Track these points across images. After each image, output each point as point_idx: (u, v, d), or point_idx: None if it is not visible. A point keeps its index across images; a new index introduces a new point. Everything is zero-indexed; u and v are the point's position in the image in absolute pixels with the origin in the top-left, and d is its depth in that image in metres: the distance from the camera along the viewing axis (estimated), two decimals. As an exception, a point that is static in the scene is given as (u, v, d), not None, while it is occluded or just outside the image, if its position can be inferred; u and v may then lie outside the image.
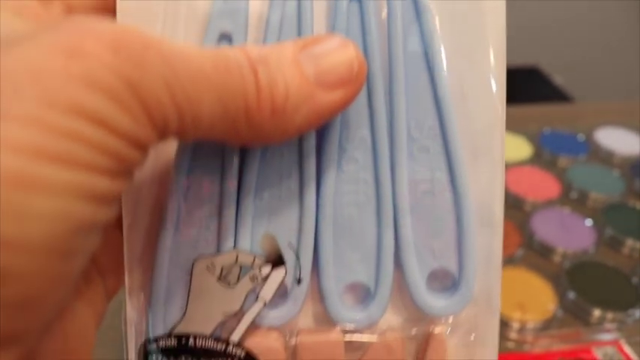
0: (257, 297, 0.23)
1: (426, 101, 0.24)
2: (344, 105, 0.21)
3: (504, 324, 0.46)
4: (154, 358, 0.23)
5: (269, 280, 0.23)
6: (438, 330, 0.24)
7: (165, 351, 0.23)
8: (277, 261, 0.23)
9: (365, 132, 0.23)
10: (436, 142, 0.23)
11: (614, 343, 0.43)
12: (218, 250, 0.23)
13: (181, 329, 0.23)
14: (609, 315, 0.45)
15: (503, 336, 0.45)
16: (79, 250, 0.15)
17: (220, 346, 0.23)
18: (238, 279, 0.23)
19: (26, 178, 0.14)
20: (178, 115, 0.17)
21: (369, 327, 0.24)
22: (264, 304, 0.23)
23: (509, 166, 0.59)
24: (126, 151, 0.16)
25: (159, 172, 0.23)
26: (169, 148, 0.23)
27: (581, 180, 0.60)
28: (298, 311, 0.24)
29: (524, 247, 0.52)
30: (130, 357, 0.24)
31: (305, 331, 0.24)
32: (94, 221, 0.15)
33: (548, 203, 0.57)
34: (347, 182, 0.23)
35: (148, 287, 0.23)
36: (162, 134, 0.17)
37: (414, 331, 0.24)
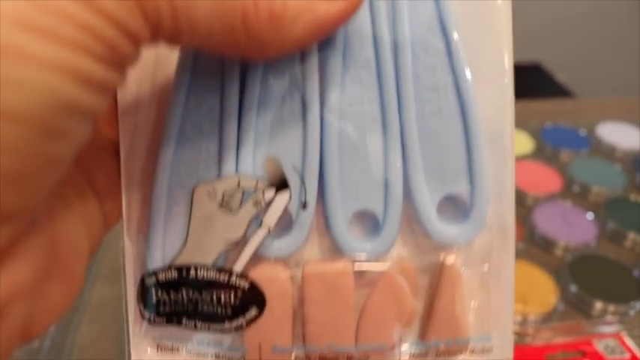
0: (261, 223, 0.22)
1: (430, 22, 0.23)
2: (345, 17, 0.20)
3: None
4: (152, 292, 0.22)
5: (273, 205, 0.22)
6: (450, 260, 0.23)
7: (164, 284, 0.22)
8: (281, 184, 0.22)
9: (369, 53, 0.23)
10: (442, 61, 0.23)
11: (616, 335, 0.43)
12: (219, 175, 0.22)
13: (182, 260, 0.22)
14: (611, 307, 0.45)
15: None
16: (66, 132, 0.15)
17: (223, 277, 0.22)
18: (241, 204, 0.22)
19: (12, 47, 0.13)
20: (172, 13, 0.16)
21: (379, 258, 0.23)
22: (269, 231, 0.22)
23: None
24: (116, 38, 0.15)
25: (157, 96, 0.22)
26: (167, 69, 0.22)
27: (582, 174, 0.60)
28: (304, 241, 0.23)
29: (526, 240, 0.51)
30: (128, 294, 0.23)
31: (312, 262, 0.23)
32: (82, 105, 0.15)
33: (550, 197, 0.57)
34: (351, 104, 0.23)
35: (146, 219, 0.23)
36: (155, 31, 0.16)
37: (425, 260, 0.23)
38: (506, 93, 0.23)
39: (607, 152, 0.66)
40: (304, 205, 0.22)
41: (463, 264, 0.23)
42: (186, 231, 0.22)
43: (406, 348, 0.23)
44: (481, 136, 0.23)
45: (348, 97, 0.23)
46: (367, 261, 0.23)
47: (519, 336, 0.42)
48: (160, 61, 0.22)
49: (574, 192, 0.59)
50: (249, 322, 0.22)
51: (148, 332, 0.23)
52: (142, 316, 0.23)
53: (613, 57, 1.24)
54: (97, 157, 0.22)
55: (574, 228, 0.53)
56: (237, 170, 0.22)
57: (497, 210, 0.23)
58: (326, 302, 0.22)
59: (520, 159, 0.61)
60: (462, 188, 0.23)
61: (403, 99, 0.23)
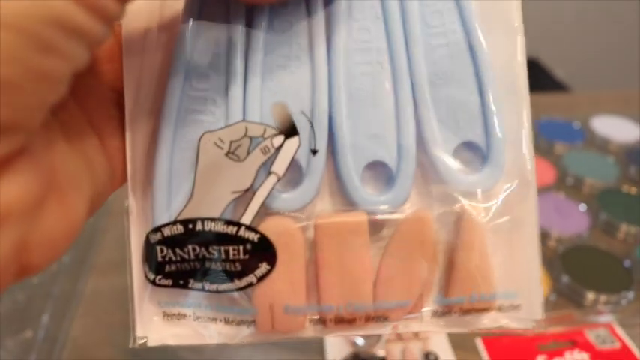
0: (269, 172, 0.21)
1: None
2: None
3: None
4: (157, 250, 0.21)
5: (281, 152, 0.21)
6: (470, 209, 0.22)
7: (170, 240, 0.21)
8: (290, 131, 0.21)
9: (375, 1, 0.22)
10: (449, 6, 0.22)
11: (607, 325, 0.42)
12: (226, 124, 0.21)
13: (187, 214, 0.21)
14: (602, 298, 0.45)
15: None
16: (59, 49, 0.15)
17: (231, 230, 0.21)
18: (248, 152, 0.21)
19: None
20: None
21: (394, 210, 0.22)
22: (278, 179, 0.21)
23: None
24: None
25: (162, 44, 0.22)
26: (173, 14, 0.22)
27: (576, 166, 0.61)
28: (316, 193, 0.22)
29: None
30: (133, 257, 0.22)
31: (324, 214, 0.22)
32: (75, 22, 0.14)
33: (544, 189, 0.57)
34: (360, 52, 0.22)
35: (151, 174, 0.22)
36: None
37: (443, 211, 0.22)
38: (517, 41, 0.23)
39: (601, 145, 0.67)
40: (314, 152, 0.21)
41: (483, 215, 0.22)
42: (192, 183, 0.21)
43: (428, 305, 0.22)
44: (493, 80, 0.22)
45: (355, 44, 0.22)
46: (382, 213, 0.22)
47: None
48: (165, 6, 0.22)
49: (567, 184, 0.59)
50: (260, 279, 0.21)
51: (154, 297, 0.22)
52: (147, 278, 0.21)
53: (611, 53, 1.26)
54: (102, 107, 0.21)
55: (567, 219, 0.53)
56: (244, 118, 0.21)
57: (516, 159, 0.22)
58: (341, 257, 0.21)
59: None
60: (477, 135, 0.22)
61: (411, 45, 0.22)
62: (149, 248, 0.21)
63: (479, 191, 0.22)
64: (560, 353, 0.39)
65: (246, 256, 0.21)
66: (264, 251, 0.21)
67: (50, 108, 0.16)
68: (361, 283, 0.21)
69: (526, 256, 0.22)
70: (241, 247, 0.21)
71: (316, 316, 0.22)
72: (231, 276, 0.21)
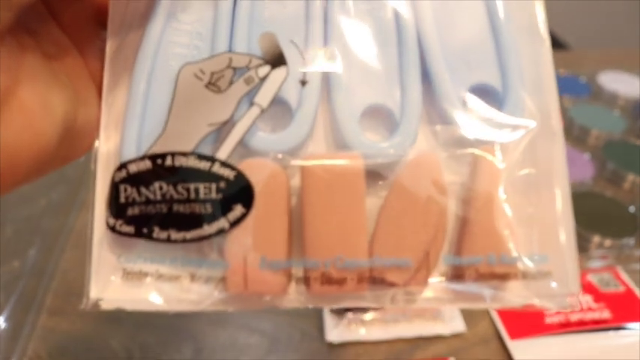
0: (252, 102, 0.19)
1: None
2: None
3: None
4: (121, 190, 0.18)
5: (267, 82, 0.19)
6: (488, 152, 0.18)
7: (135, 178, 0.18)
8: (277, 60, 0.19)
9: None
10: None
11: (611, 269, 0.42)
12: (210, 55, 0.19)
13: (157, 148, 0.18)
14: (607, 242, 0.44)
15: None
16: None
17: (204, 165, 0.18)
18: (231, 83, 0.19)
19: None
20: None
21: (396, 157, 0.19)
22: (261, 111, 0.19)
23: None
24: None
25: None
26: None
27: (582, 118, 0.61)
28: (305, 133, 0.19)
29: None
30: (96, 201, 0.19)
31: (314, 154, 0.19)
32: None
33: None
34: None
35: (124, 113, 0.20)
36: None
37: (454, 153, 0.19)
38: None
39: (608, 99, 0.66)
40: (304, 82, 0.19)
41: (503, 164, 0.19)
42: (167, 115, 0.19)
43: (435, 265, 0.18)
44: (505, 15, 0.20)
45: (354, -18, 0.21)
46: (382, 157, 0.19)
47: None
48: None
49: (573, 134, 0.59)
50: (233, 225, 0.18)
51: (113, 249, 0.19)
52: (107, 225, 0.19)
53: (613, 14, 1.24)
54: (87, 28, 0.20)
55: (571, 167, 0.51)
56: (230, 50, 0.19)
57: (538, 103, 0.19)
58: (331, 204, 0.18)
59: None
60: (491, 75, 0.20)
61: None
62: (112, 189, 0.19)
63: (495, 136, 0.19)
64: None
65: (219, 196, 0.18)
66: (240, 191, 0.18)
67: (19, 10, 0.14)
68: (354, 236, 0.18)
69: (556, 216, 0.18)
70: (214, 186, 0.18)
71: (299, 274, 0.18)
72: (200, 220, 0.18)
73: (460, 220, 0.18)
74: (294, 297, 0.18)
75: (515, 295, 0.18)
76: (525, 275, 0.18)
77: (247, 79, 0.19)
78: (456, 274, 0.18)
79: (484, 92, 0.20)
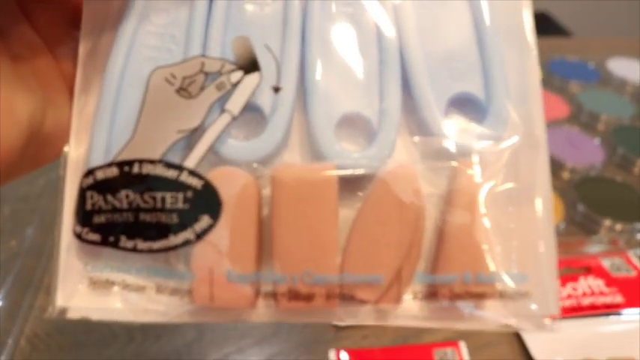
0: (223, 109, 0.18)
1: None
2: None
3: None
4: (88, 197, 0.18)
5: (239, 88, 0.18)
6: (467, 167, 0.18)
7: (102, 185, 0.18)
8: (250, 66, 0.18)
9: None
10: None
11: (622, 253, 0.41)
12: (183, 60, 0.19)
13: (126, 155, 0.18)
14: (618, 226, 0.44)
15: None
16: None
17: (172, 174, 0.17)
18: (202, 89, 0.18)
19: None
20: None
21: (373, 166, 0.18)
22: (232, 118, 0.18)
23: None
24: None
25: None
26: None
27: (591, 103, 0.60)
28: (277, 142, 0.18)
29: None
30: (64, 207, 0.19)
31: (286, 165, 0.18)
32: None
33: (556, 123, 0.57)
34: None
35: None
36: None
37: (432, 167, 0.18)
38: None
39: (617, 85, 0.66)
40: (277, 89, 0.18)
41: (483, 178, 0.18)
42: (136, 121, 0.18)
43: (409, 282, 0.17)
44: (491, 21, 0.19)
45: (334, -16, 0.20)
46: (357, 168, 0.18)
47: None
48: None
49: (582, 120, 0.58)
50: (200, 236, 0.17)
51: (80, 257, 0.18)
52: (74, 233, 0.18)
53: (617, 4, 1.22)
54: (59, 28, 0.19)
55: (581, 152, 0.53)
56: (203, 54, 0.19)
57: (523, 113, 0.18)
58: (302, 216, 0.17)
59: None
60: (474, 85, 0.19)
61: None
62: (80, 196, 0.18)
63: (476, 149, 0.18)
64: (575, 279, 0.37)
65: (186, 206, 0.17)
66: (207, 202, 0.17)
67: None
68: (324, 250, 0.17)
69: (538, 234, 0.18)
70: (181, 195, 0.17)
71: (267, 288, 0.17)
72: (167, 231, 0.17)
73: (436, 237, 0.18)
74: (263, 311, 0.18)
75: (493, 314, 0.17)
76: (503, 295, 0.17)
77: (219, 84, 0.18)
78: (429, 292, 0.17)
79: (467, 102, 0.19)
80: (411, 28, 0.19)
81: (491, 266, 0.17)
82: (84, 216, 0.18)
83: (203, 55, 0.19)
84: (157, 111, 0.18)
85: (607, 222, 0.44)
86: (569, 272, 0.39)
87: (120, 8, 0.20)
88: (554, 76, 0.66)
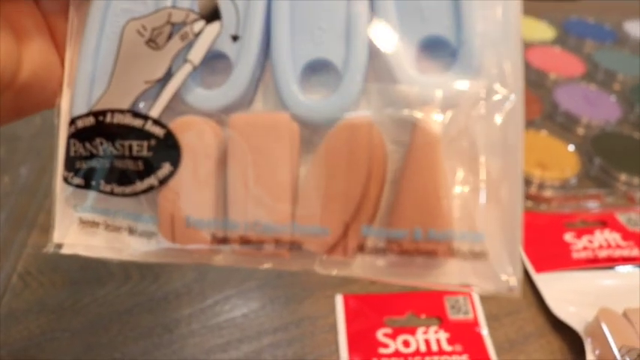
0: (185, 59, 0.18)
1: None
2: None
3: (526, 182, 0.42)
4: (71, 144, 0.19)
5: (200, 38, 0.18)
6: (427, 116, 0.17)
7: (81, 133, 0.19)
8: (211, 15, 0.18)
9: None
10: None
11: (637, 209, 0.40)
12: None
13: (101, 105, 0.19)
14: (635, 180, 0.43)
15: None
16: None
17: (138, 123, 0.18)
18: (168, 40, 0.19)
19: None
20: None
21: (334, 118, 0.18)
22: (193, 68, 0.18)
23: (531, 45, 0.60)
24: None
25: None
26: None
27: (607, 62, 0.59)
28: (240, 90, 0.18)
29: (548, 117, 0.51)
30: (58, 155, 0.20)
31: (245, 114, 0.18)
32: None
33: (572, 80, 0.56)
34: None
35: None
36: None
37: (394, 119, 0.17)
38: None
39: (634, 46, 0.64)
40: (235, 38, 0.18)
41: (445, 129, 0.17)
42: (111, 72, 0.19)
43: (357, 236, 0.17)
44: None
45: None
46: (320, 119, 0.18)
47: (536, 202, 0.40)
48: None
49: (598, 79, 0.57)
50: (162, 182, 0.18)
51: (70, 200, 0.20)
52: (62, 177, 0.20)
53: None
54: None
55: (597, 108, 0.52)
56: (173, 6, 0.19)
57: (495, 58, 0.17)
58: (256, 164, 0.17)
59: (539, 44, 0.61)
60: (445, 27, 0.17)
61: None
62: (66, 143, 0.20)
63: (440, 98, 0.17)
64: (591, 232, 0.37)
65: (150, 154, 0.18)
66: (168, 150, 0.18)
67: None
68: (275, 199, 0.17)
69: (498, 192, 0.16)
70: (145, 143, 0.18)
71: (220, 235, 0.18)
72: (134, 177, 0.18)
73: (392, 191, 0.17)
74: (222, 256, 0.18)
75: (451, 273, 0.17)
76: (457, 253, 0.16)
77: (183, 35, 0.18)
78: (379, 247, 0.17)
79: (437, 45, 0.17)
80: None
81: (446, 223, 0.16)
82: (69, 162, 0.19)
83: (173, 7, 0.19)
84: (128, 62, 0.19)
85: (623, 176, 0.43)
86: (584, 225, 0.38)
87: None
88: (569, 35, 0.64)
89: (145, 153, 0.18)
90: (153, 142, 0.18)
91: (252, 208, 0.17)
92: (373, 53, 0.18)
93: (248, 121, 0.18)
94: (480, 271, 0.16)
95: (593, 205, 0.41)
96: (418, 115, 0.17)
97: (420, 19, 0.17)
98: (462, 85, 0.17)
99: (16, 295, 0.32)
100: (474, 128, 0.17)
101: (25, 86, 0.19)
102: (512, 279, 0.16)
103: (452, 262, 0.16)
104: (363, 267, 0.17)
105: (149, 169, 0.18)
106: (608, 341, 0.27)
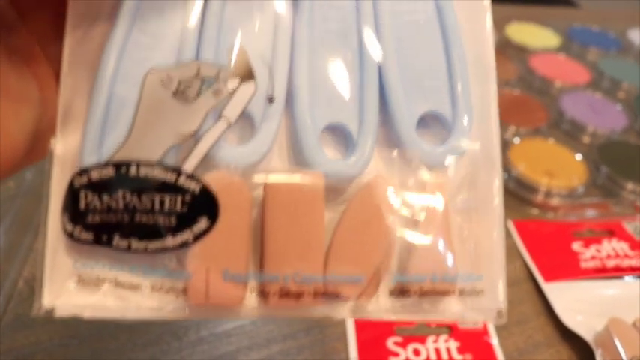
0: (220, 116, 0.18)
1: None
2: None
3: (533, 190, 0.44)
4: (82, 197, 0.18)
5: (235, 96, 0.19)
6: (435, 180, 0.20)
7: (97, 185, 0.18)
8: (246, 74, 0.19)
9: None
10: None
11: None
12: (177, 62, 0.19)
13: (122, 155, 0.18)
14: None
15: (529, 203, 0.43)
16: None
17: (171, 177, 0.18)
18: (199, 94, 0.18)
19: None
20: None
21: (354, 174, 0.20)
22: (228, 125, 0.19)
23: (535, 52, 0.60)
24: None
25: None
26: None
27: (612, 70, 0.60)
28: (268, 147, 0.19)
29: (554, 125, 0.51)
30: (50, 204, 0.19)
31: (277, 172, 0.19)
32: None
33: (577, 87, 0.57)
34: (324, 7, 0.21)
35: (86, 111, 0.19)
36: None
37: (404, 179, 0.20)
38: (485, 12, 0.22)
39: (638, 54, 0.65)
40: (271, 99, 0.19)
41: (450, 191, 0.20)
42: (132, 122, 0.19)
43: (384, 282, 0.19)
44: (461, 47, 0.21)
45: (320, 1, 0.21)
46: (341, 177, 0.20)
47: (542, 210, 0.41)
48: None
49: (603, 87, 0.58)
50: (197, 237, 0.18)
51: (69, 255, 0.19)
52: (65, 231, 0.18)
53: None
54: (51, 27, 0.19)
55: (602, 116, 0.53)
56: (197, 58, 0.19)
57: (483, 134, 0.21)
58: (291, 220, 0.19)
59: (543, 52, 0.61)
60: (443, 105, 0.21)
61: (378, 8, 0.21)
62: (72, 194, 0.18)
63: (442, 163, 0.20)
64: (598, 241, 0.38)
65: (185, 209, 0.18)
66: (205, 205, 0.18)
67: None
68: (312, 252, 0.19)
69: (491, 240, 0.21)
70: (179, 198, 0.18)
71: (258, 287, 0.19)
72: (164, 232, 0.18)
73: (407, 240, 0.19)
74: (251, 308, 0.19)
75: (451, 308, 0.20)
76: (462, 292, 0.20)
77: (216, 91, 0.18)
78: (402, 290, 0.19)
79: (435, 119, 0.21)
80: (392, 49, 0.21)
81: (454, 267, 0.19)
82: (77, 215, 0.18)
83: (198, 59, 0.19)
84: (153, 113, 0.19)
85: (629, 185, 0.44)
86: (592, 234, 0.39)
87: (108, 6, 0.19)
88: (572, 43, 0.64)
89: (178, 208, 0.18)
90: (188, 197, 0.18)
91: (292, 260, 0.18)
92: (384, 121, 0.21)
93: (285, 180, 0.19)
94: (477, 305, 0.20)
95: (599, 214, 0.41)
96: (428, 177, 0.20)
97: (422, 95, 0.21)
98: (460, 151, 0.20)
99: (22, 300, 0.31)
100: (467, 191, 0.21)
101: (42, 134, 0.19)
102: (502, 307, 0.20)
103: (454, 299, 0.20)
104: (385, 308, 0.20)
105: (183, 224, 0.18)
106: (618, 351, 0.28)
